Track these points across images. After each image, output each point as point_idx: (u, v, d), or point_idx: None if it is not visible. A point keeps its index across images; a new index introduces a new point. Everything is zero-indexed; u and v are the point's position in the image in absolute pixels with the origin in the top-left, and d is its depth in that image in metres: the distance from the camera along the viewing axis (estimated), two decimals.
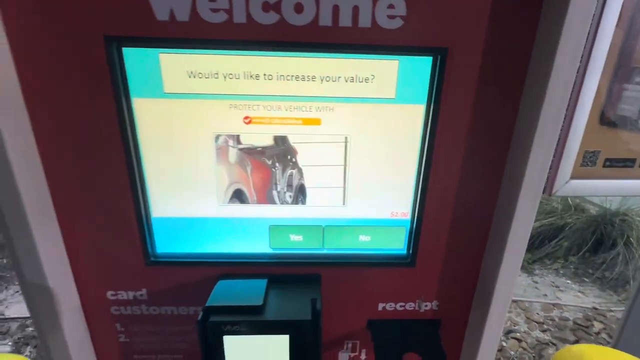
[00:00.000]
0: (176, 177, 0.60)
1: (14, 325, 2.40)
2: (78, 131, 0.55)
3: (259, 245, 0.66)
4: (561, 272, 3.23)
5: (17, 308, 2.58)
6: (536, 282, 3.10)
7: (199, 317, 0.55)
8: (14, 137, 0.51)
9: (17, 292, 2.75)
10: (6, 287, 2.83)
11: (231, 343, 0.57)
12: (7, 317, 2.48)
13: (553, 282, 3.11)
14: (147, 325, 0.70)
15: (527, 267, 3.25)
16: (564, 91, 0.52)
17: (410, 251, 0.66)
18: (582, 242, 3.35)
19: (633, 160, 1.07)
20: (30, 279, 0.58)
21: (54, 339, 0.63)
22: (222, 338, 0.56)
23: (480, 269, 0.69)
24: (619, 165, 1.06)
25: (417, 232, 0.64)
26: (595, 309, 2.75)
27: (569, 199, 3.77)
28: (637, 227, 3.19)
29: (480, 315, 0.68)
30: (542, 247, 3.39)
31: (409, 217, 0.65)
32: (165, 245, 0.65)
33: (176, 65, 0.53)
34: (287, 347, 0.58)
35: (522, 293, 2.95)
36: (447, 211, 0.64)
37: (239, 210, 0.63)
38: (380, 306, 0.70)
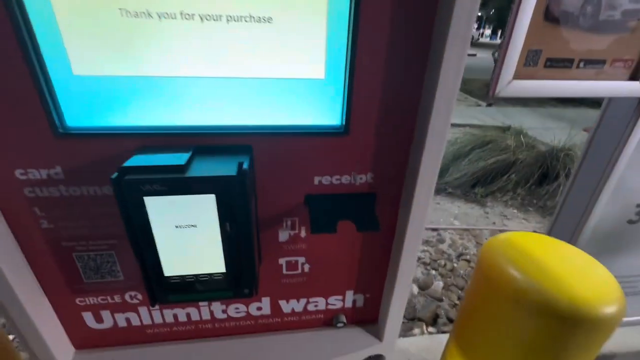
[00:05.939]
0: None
1: None
2: None
3: (184, 115, 0.61)
4: (509, 203, 3.48)
5: None
6: (487, 213, 3.34)
7: (113, 176, 0.51)
8: None
9: None
10: None
11: (154, 205, 0.54)
12: None
13: (502, 212, 3.36)
14: (69, 208, 0.66)
15: (480, 200, 3.48)
16: None
17: (344, 120, 0.65)
18: (530, 176, 3.61)
19: (571, 61, 1.10)
20: None
21: None
22: (142, 199, 0.54)
23: (410, 146, 0.69)
24: (559, 65, 1.09)
25: (349, 101, 0.63)
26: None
27: (521, 136, 3.96)
28: (578, 160, 3.45)
29: (409, 189, 0.71)
30: (495, 182, 3.61)
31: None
32: (76, 113, 0.59)
33: None
34: (215, 209, 0.56)
35: (474, 222, 3.19)
36: (378, 87, 0.63)
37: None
38: (317, 180, 0.69)
